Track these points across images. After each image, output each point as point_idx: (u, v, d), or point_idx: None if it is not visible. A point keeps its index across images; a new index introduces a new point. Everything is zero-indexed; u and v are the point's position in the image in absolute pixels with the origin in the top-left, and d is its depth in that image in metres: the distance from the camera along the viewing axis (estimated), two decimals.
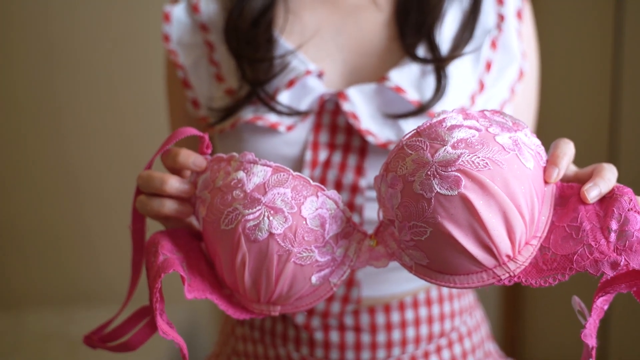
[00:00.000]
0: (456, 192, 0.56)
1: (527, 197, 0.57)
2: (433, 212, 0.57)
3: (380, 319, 0.81)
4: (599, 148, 1.65)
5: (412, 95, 0.79)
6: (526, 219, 0.58)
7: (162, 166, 0.70)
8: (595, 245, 0.59)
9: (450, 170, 0.56)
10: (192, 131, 0.67)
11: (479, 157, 0.56)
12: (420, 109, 0.78)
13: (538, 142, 0.62)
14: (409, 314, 0.82)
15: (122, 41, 1.92)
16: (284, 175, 0.62)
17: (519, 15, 0.87)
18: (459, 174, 0.56)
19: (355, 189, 0.79)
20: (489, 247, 0.57)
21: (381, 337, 0.81)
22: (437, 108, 0.79)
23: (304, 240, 0.61)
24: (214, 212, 0.63)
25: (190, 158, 0.67)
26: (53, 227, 2.03)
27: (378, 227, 0.64)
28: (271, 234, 0.60)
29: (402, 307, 0.82)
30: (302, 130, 0.81)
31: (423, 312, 0.83)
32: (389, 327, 0.82)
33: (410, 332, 0.82)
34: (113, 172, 1.98)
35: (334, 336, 0.81)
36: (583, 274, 0.60)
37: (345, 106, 0.79)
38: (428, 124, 0.59)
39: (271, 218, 0.60)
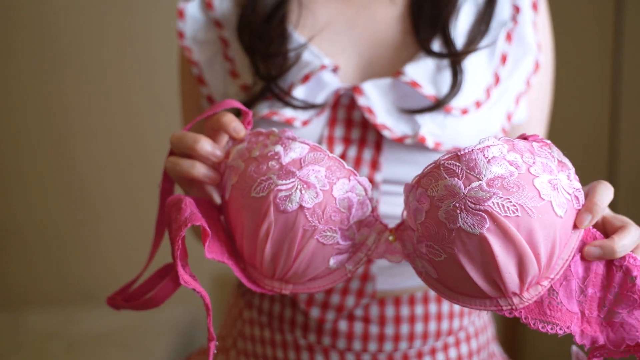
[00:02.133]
0: (478, 232, 0.56)
1: (549, 244, 0.58)
2: (451, 243, 0.58)
3: (390, 311, 0.81)
4: (599, 148, 1.65)
5: (428, 90, 0.79)
6: (542, 264, 0.58)
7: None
8: (588, 315, 0.61)
9: (478, 208, 0.56)
10: (238, 104, 0.69)
11: (511, 202, 0.56)
12: (437, 104, 0.79)
13: (578, 185, 0.61)
14: (419, 309, 0.82)
15: (129, 40, 1.92)
16: (320, 154, 0.63)
17: (535, 6, 0.86)
18: (485, 215, 0.56)
19: (370, 184, 0.79)
20: (497, 284, 0.59)
21: (389, 330, 0.81)
22: (453, 103, 0.79)
23: (330, 220, 0.62)
24: (246, 180, 0.64)
25: (232, 123, 0.68)
26: (53, 227, 2.02)
27: (400, 224, 0.65)
28: (301, 207, 0.61)
29: (412, 301, 0.82)
30: (318, 125, 0.81)
31: (433, 308, 0.83)
32: (397, 320, 0.81)
33: (419, 327, 0.82)
34: (116, 172, 1.98)
35: (342, 325, 0.81)
36: None
37: (361, 101, 0.79)
38: (470, 149, 0.59)
39: (303, 191, 0.61)
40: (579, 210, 0.61)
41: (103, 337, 1.78)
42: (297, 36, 0.84)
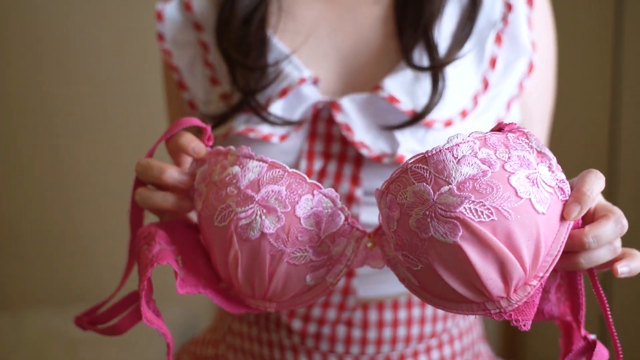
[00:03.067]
0: (451, 241, 0.53)
1: (532, 244, 0.54)
2: (425, 253, 0.55)
3: (373, 316, 0.81)
4: (599, 148, 1.65)
5: (406, 105, 0.76)
6: (527, 266, 0.55)
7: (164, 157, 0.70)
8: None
9: (449, 215, 0.53)
10: (195, 121, 0.66)
11: (484, 206, 0.53)
12: (415, 119, 0.76)
13: (562, 176, 0.57)
14: (402, 314, 0.82)
15: (115, 41, 1.92)
16: (279, 172, 0.60)
17: (530, 1, 0.81)
18: (457, 222, 0.53)
19: (351, 199, 0.78)
20: (480, 290, 0.56)
21: (372, 334, 0.81)
22: (435, 115, 0.77)
23: (297, 240, 0.59)
24: (208, 208, 0.62)
25: (191, 143, 0.65)
26: (53, 227, 2.02)
27: (378, 228, 0.62)
28: (263, 234, 0.59)
29: (395, 306, 0.82)
30: (297, 139, 0.79)
31: (416, 312, 0.82)
32: (380, 324, 0.81)
33: (402, 331, 0.82)
34: (113, 173, 1.98)
35: (326, 329, 0.81)
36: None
37: (339, 117, 0.77)
38: (438, 149, 0.55)
39: (264, 217, 0.59)
40: (566, 201, 0.57)
41: (103, 337, 1.77)
42: (277, 43, 0.81)
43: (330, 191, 0.61)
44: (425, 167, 0.55)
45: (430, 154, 0.55)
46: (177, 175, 0.65)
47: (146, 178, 0.67)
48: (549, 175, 0.56)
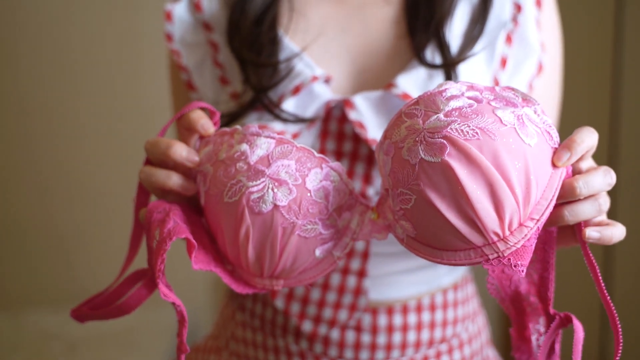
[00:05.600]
0: (439, 159, 0.54)
1: (522, 174, 0.55)
2: (416, 179, 0.56)
3: (383, 320, 0.81)
4: (599, 148, 1.65)
5: None
6: (519, 197, 0.55)
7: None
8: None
9: (436, 137, 0.55)
10: (206, 105, 0.68)
11: (469, 127, 0.54)
12: None
13: (550, 121, 0.59)
14: (412, 318, 0.81)
15: (115, 41, 1.92)
16: (288, 147, 0.61)
17: (538, 3, 0.82)
18: (444, 141, 0.54)
19: (363, 197, 0.77)
20: (473, 222, 0.55)
21: (381, 339, 0.81)
22: None
23: (308, 213, 0.61)
24: (217, 185, 0.62)
25: (200, 120, 0.66)
26: (53, 227, 2.02)
27: (379, 199, 0.63)
28: (276, 206, 0.60)
29: (405, 310, 0.81)
30: (309, 138, 0.78)
31: (426, 317, 0.82)
32: (390, 329, 0.81)
33: (411, 336, 0.81)
34: (116, 172, 1.98)
35: (335, 334, 0.81)
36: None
37: (352, 115, 0.76)
38: (429, 92, 0.58)
39: (275, 190, 0.60)
40: (556, 149, 0.58)
41: (103, 337, 1.78)
42: (289, 43, 0.81)
43: (337, 165, 0.62)
44: (417, 107, 0.58)
45: (422, 96, 0.58)
46: (185, 152, 0.65)
47: (154, 154, 0.66)
48: (535, 117, 0.57)
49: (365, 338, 0.81)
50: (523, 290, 0.65)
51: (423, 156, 0.55)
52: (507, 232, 0.56)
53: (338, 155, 0.79)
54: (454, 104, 0.56)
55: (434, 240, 0.58)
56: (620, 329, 0.59)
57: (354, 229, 0.63)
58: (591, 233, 0.59)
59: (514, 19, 0.81)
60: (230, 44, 0.82)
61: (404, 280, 0.81)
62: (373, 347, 0.81)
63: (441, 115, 0.56)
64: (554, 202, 0.57)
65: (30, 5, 1.90)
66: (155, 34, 1.75)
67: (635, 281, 1.57)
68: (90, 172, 1.99)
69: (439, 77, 0.78)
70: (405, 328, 0.81)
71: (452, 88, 0.58)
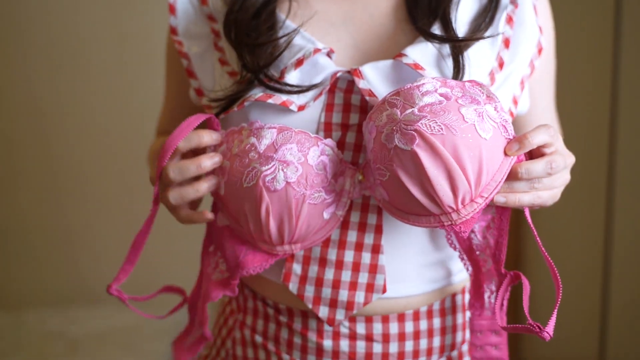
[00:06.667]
0: (410, 148, 0.66)
1: (475, 162, 0.67)
2: (391, 161, 0.68)
3: (394, 328, 0.80)
4: (599, 148, 1.65)
5: (432, 73, 0.77)
6: (471, 180, 0.67)
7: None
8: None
9: (409, 128, 0.67)
10: (200, 118, 0.76)
11: (437, 123, 0.66)
12: None
13: (507, 117, 0.71)
14: (423, 325, 0.81)
15: (109, 40, 1.92)
16: (288, 133, 0.73)
17: None
18: (415, 134, 0.66)
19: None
20: (433, 198, 0.68)
21: (393, 348, 0.80)
22: None
23: (314, 183, 0.73)
24: (235, 175, 0.74)
25: (204, 138, 0.76)
26: (54, 227, 2.03)
27: (364, 163, 0.75)
28: (287, 183, 0.72)
29: (416, 317, 0.81)
30: (315, 111, 0.78)
31: (436, 323, 0.82)
32: (402, 337, 0.80)
33: (423, 344, 0.81)
34: (117, 172, 1.98)
35: (344, 346, 0.80)
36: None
37: (361, 84, 0.76)
38: (409, 86, 0.70)
39: (285, 170, 0.72)
40: (510, 140, 0.70)
41: (103, 337, 1.78)
42: (289, 23, 0.81)
43: (330, 141, 0.75)
44: (398, 97, 0.70)
45: (402, 89, 0.70)
46: (210, 160, 0.76)
47: (184, 177, 0.75)
48: (494, 114, 0.69)
49: (377, 348, 0.80)
50: (479, 248, 0.79)
51: (397, 143, 0.68)
52: (460, 206, 0.69)
53: (344, 128, 0.78)
54: (427, 99, 0.68)
55: (402, 206, 0.71)
56: (559, 278, 0.72)
57: (348, 190, 0.75)
58: (498, 198, 0.70)
59: (513, 1, 0.82)
60: (227, 36, 0.82)
61: (417, 276, 0.80)
62: (385, 357, 0.80)
63: (415, 110, 0.68)
64: (502, 184, 0.70)
65: (22, 5, 1.90)
66: (160, 29, 1.76)
67: (634, 281, 1.57)
68: (91, 172, 1.99)
69: (448, 59, 0.78)
70: (417, 335, 0.81)
71: (427, 84, 0.70)
